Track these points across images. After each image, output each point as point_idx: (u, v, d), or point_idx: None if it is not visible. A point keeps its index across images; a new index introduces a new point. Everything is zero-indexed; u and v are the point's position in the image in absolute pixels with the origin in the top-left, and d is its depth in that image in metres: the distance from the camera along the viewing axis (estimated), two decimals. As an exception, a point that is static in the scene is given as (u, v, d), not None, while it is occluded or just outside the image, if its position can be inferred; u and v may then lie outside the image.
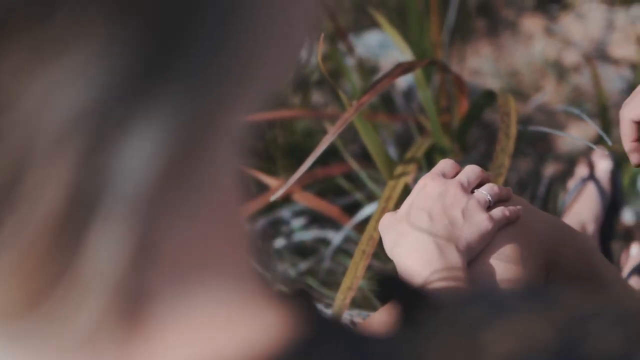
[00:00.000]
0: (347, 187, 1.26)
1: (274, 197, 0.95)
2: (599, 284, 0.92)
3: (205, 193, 0.28)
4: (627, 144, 0.76)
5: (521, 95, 1.75)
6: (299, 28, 0.32)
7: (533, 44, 1.85)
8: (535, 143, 1.56)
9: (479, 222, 0.75)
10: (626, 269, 1.26)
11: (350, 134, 1.40)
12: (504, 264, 0.77)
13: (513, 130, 1.12)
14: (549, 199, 1.32)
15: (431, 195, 0.76)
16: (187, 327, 0.27)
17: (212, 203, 0.28)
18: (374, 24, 1.72)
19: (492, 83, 1.79)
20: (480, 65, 1.83)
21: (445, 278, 0.72)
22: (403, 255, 0.72)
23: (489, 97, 1.17)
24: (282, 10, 0.29)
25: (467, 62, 1.83)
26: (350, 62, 1.48)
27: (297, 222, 1.34)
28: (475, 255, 0.75)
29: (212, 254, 0.28)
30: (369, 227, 0.99)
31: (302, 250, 1.35)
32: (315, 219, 1.35)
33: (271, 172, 1.24)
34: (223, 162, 0.29)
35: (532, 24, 1.88)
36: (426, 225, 0.73)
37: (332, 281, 1.28)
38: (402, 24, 1.56)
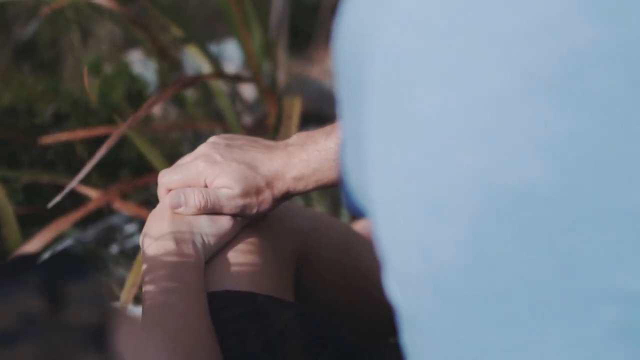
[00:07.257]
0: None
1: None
2: (357, 267, 1.01)
3: None
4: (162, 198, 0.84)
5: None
6: None
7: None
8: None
9: (218, 221, 0.82)
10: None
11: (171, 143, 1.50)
12: (242, 257, 0.85)
13: (293, 131, 1.22)
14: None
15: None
16: None
17: None
18: (229, 33, 1.81)
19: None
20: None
21: (178, 270, 0.80)
22: (146, 245, 0.79)
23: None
24: None
25: (328, 63, 1.93)
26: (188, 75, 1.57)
27: (130, 228, 1.43)
28: (215, 251, 0.82)
29: None
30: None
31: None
32: (148, 224, 1.44)
33: (90, 184, 1.34)
34: None
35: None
36: (169, 219, 0.81)
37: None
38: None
